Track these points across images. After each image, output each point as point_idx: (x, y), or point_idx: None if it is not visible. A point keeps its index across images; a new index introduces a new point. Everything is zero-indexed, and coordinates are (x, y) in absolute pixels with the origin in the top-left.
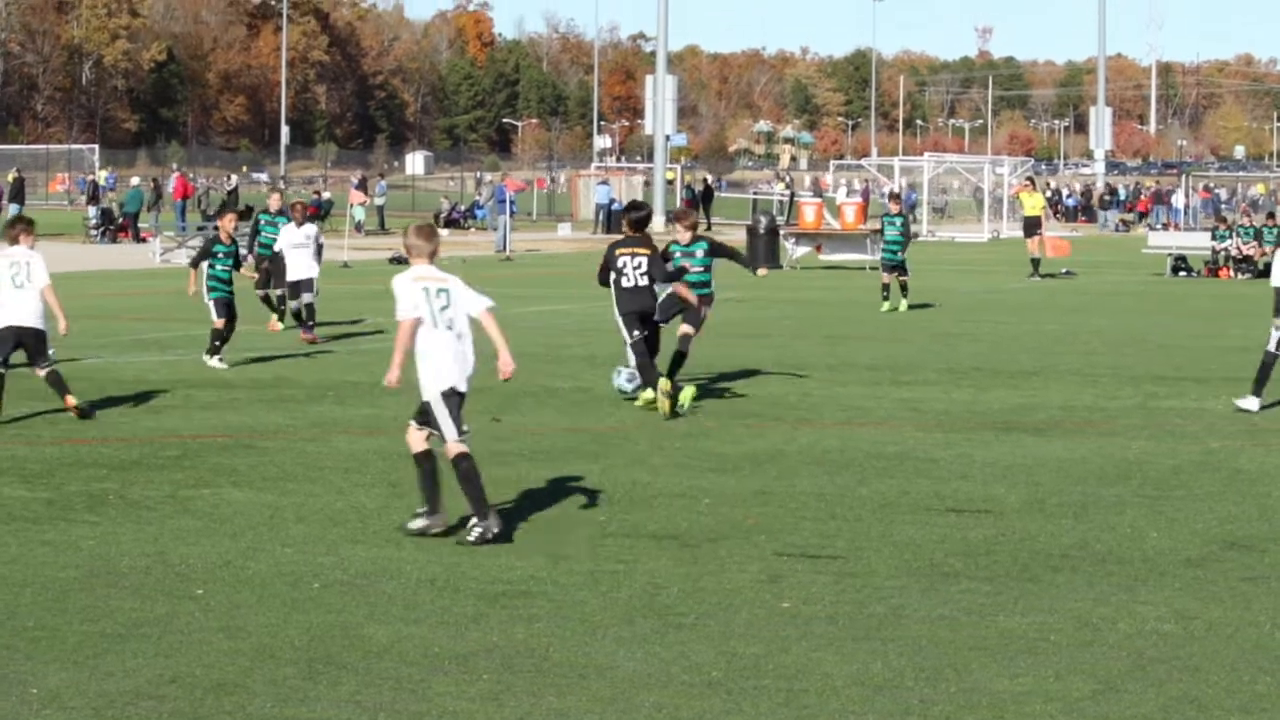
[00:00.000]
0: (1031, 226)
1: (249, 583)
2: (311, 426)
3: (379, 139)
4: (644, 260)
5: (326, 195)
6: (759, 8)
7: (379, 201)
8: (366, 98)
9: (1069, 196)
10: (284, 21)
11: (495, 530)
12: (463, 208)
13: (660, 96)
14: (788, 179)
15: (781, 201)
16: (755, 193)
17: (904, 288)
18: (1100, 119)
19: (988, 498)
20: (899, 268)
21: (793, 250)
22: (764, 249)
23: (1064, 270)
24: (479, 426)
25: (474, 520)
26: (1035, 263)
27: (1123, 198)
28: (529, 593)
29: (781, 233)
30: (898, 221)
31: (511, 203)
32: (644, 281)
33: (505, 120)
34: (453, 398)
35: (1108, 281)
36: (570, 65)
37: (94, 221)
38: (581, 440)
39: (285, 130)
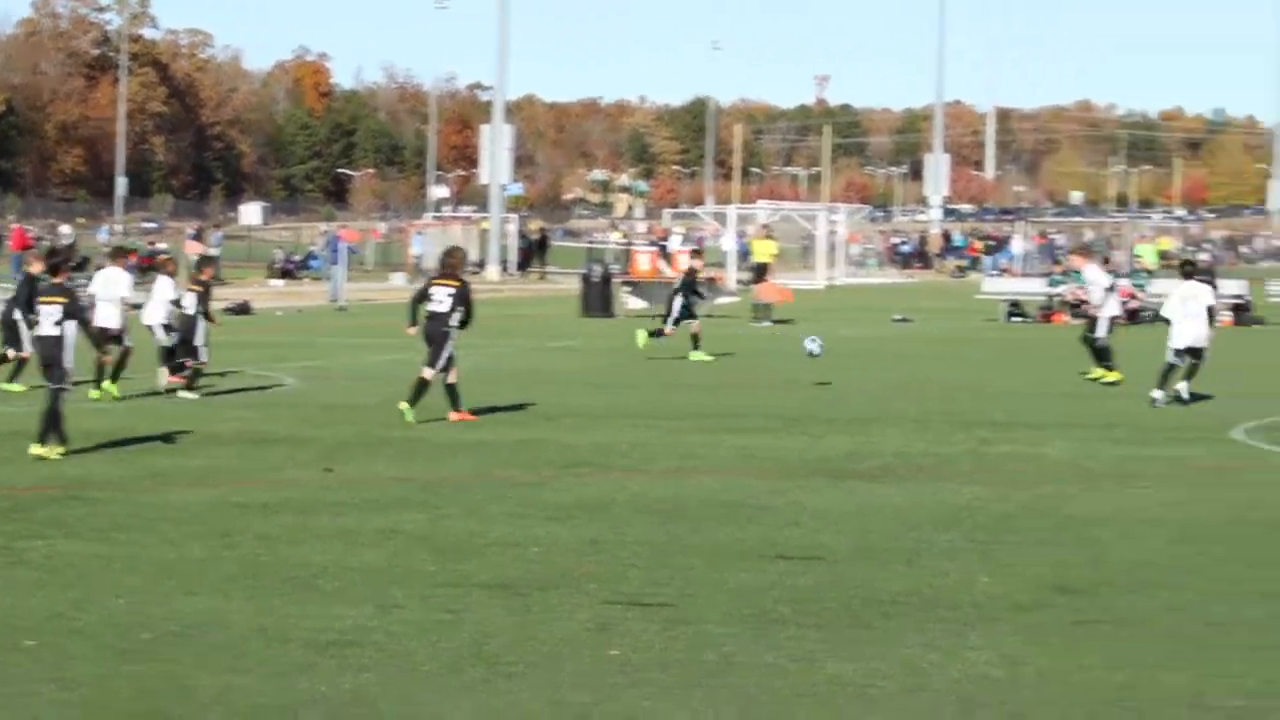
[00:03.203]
0: (760, 273)
1: (79, 634)
2: (146, 478)
3: (215, 190)
4: (452, 291)
5: (162, 246)
6: (596, 57)
7: (214, 252)
8: (204, 148)
9: (904, 243)
10: (122, 73)
11: None
12: (298, 258)
13: (496, 146)
14: (624, 228)
15: (617, 250)
16: (590, 242)
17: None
18: (937, 165)
19: (819, 545)
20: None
21: (627, 299)
22: (598, 297)
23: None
24: (311, 477)
25: None
26: (761, 308)
27: (959, 244)
28: (358, 642)
29: (616, 281)
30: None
31: (350, 251)
32: (443, 309)
33: (341, 170)
34: None
35: (943, 328)
36: (407, 115)
37: None
38: (412, 490)
39: (121, 181)
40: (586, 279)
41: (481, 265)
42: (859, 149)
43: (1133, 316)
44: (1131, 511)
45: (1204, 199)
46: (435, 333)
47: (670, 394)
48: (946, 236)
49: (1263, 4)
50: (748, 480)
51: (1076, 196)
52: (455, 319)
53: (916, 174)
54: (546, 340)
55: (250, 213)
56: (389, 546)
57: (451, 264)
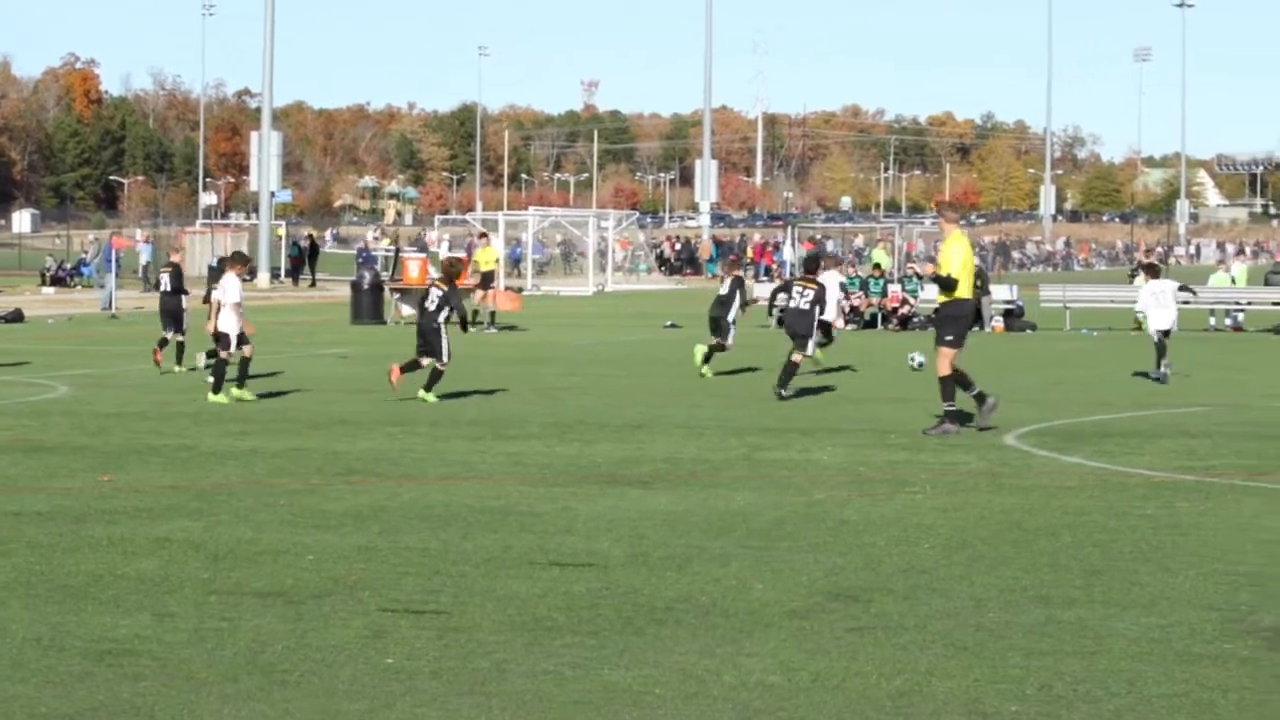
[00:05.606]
0: (485, 280)
1: None
2: None
3: None
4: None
5: None
6: (364, 64)
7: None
8: None
9: (679, 250)
10: None
11: None
12: (69, 265)
13: (265, 153)
14: (394, 235)
15: (387, 257)
16: (360, 248)
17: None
18: (706, 171)
19: (591, 551)
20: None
21: (399, 305)
22: (369, 304)
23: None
24: (85, 485)
25: None
26: (491, 315)
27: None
28: (134, 651)
29: (386, 288)
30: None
31: (118, 260)
32: (433, 307)
33: (112, 177)
34: None
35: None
36: (176, 122)
37: None
38: (185, 497)
39: None
40: (356, 286)
41: (252, 273)
42: (628, 155)
43: (905, 323)
44: (905, 517)
45: (974, 204)
46: (427, 328)
47: (438, 401)
48: (716, 243)
49: (1033, 10)
50: (519, 487)
51: (846, 202)
52: (443, 315)
53: (686, 180)
54: (317, 347)
55: (21, 220)
56: (163, 554)
57: (447, 271)
